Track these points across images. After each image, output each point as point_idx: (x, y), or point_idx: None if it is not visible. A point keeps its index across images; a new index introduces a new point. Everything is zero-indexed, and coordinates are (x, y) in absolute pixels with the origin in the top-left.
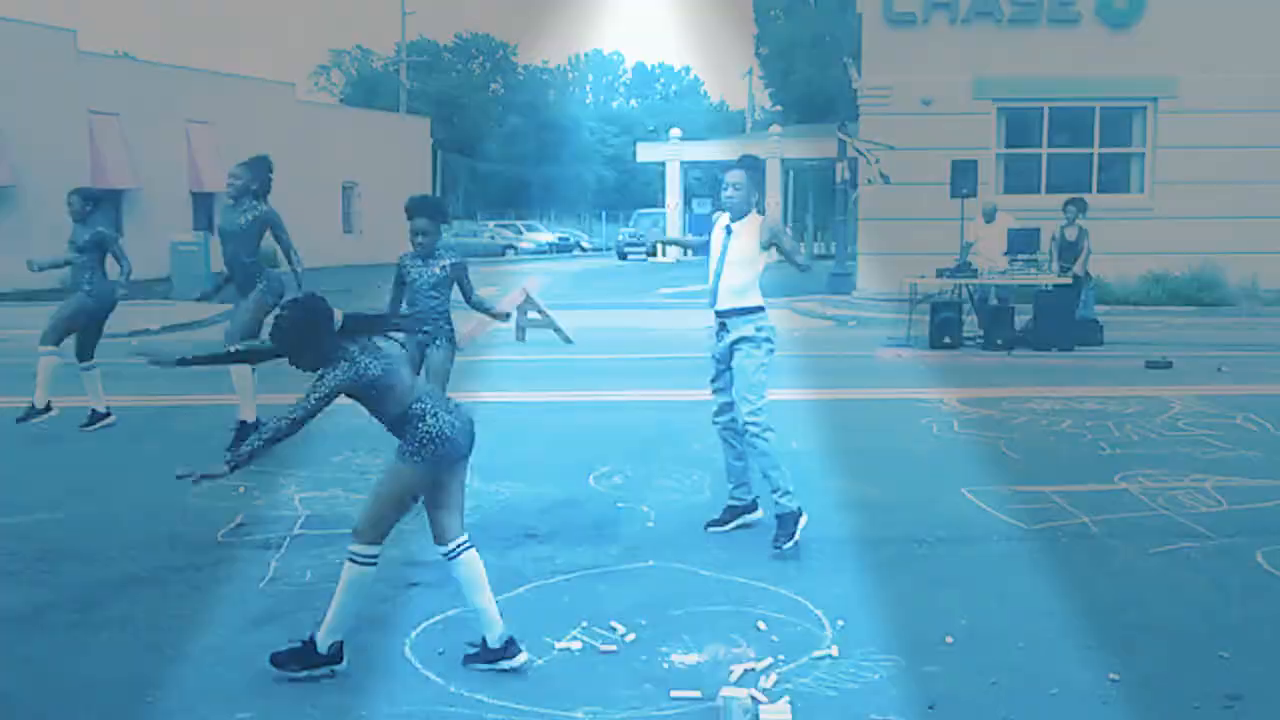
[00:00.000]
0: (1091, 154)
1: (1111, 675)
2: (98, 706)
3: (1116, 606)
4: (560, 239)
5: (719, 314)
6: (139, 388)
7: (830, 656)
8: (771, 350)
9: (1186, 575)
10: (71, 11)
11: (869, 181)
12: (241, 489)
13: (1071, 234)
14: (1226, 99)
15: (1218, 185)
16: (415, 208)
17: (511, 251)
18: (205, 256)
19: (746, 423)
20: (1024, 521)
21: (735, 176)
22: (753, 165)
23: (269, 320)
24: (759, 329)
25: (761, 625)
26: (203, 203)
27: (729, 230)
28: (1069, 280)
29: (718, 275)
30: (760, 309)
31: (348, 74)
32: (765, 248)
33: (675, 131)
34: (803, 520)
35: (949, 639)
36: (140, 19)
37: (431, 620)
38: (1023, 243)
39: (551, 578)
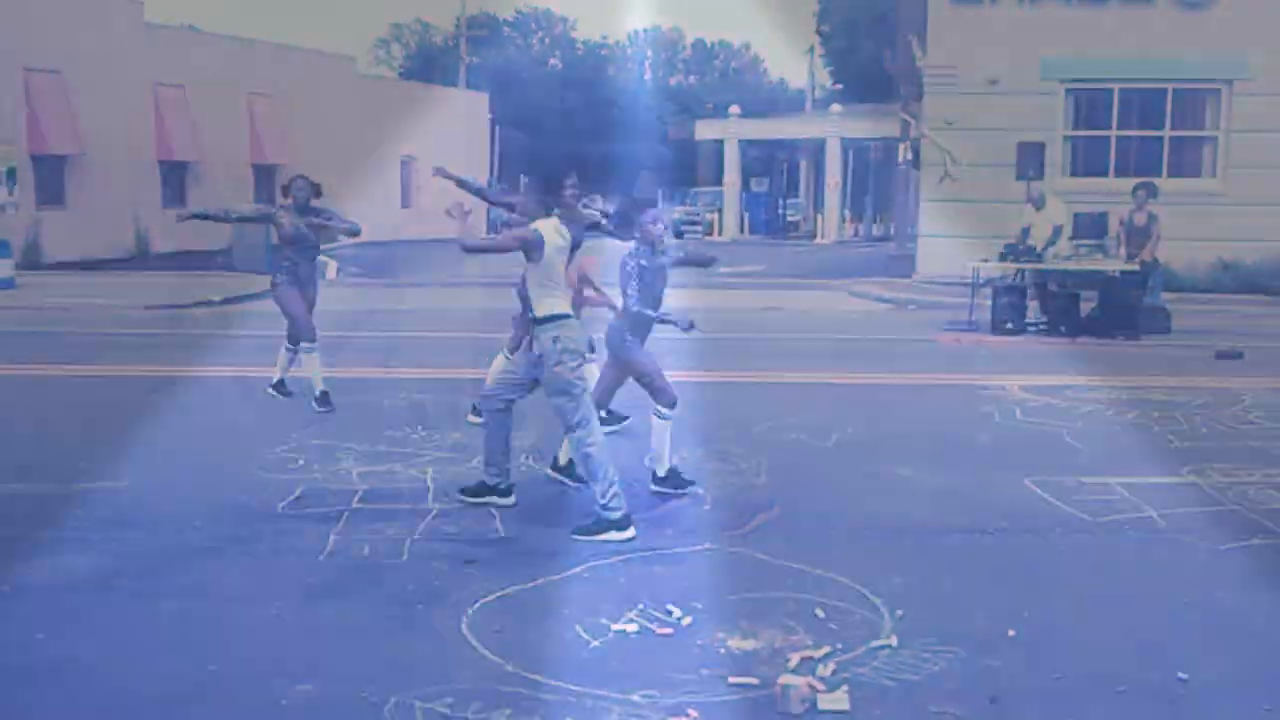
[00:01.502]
0: (1162, 137)
1: (1180, 675)
2: (161, 674)
3: (1185, 604)
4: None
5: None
6: (198, 358)
7: (889, 646)
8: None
9: (1258, 573)
10: None
11: (940, 180)
12: (300, 461)
13: (1140, 219)
14: None
15: None
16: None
17: None
18: (266, 228)
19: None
20: (1089, 514)
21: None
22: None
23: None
24: (555, 339)
25: (820, 613)
26: (264, 175)
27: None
28: (1136, 266)
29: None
30: (554, 318)
31: (407, 48)
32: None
33: (734, 109)
34: (624, 534)
35: (1011, 632)
36: None
37: (489, 598)
38: (1090, 227)
39: (608, 558)
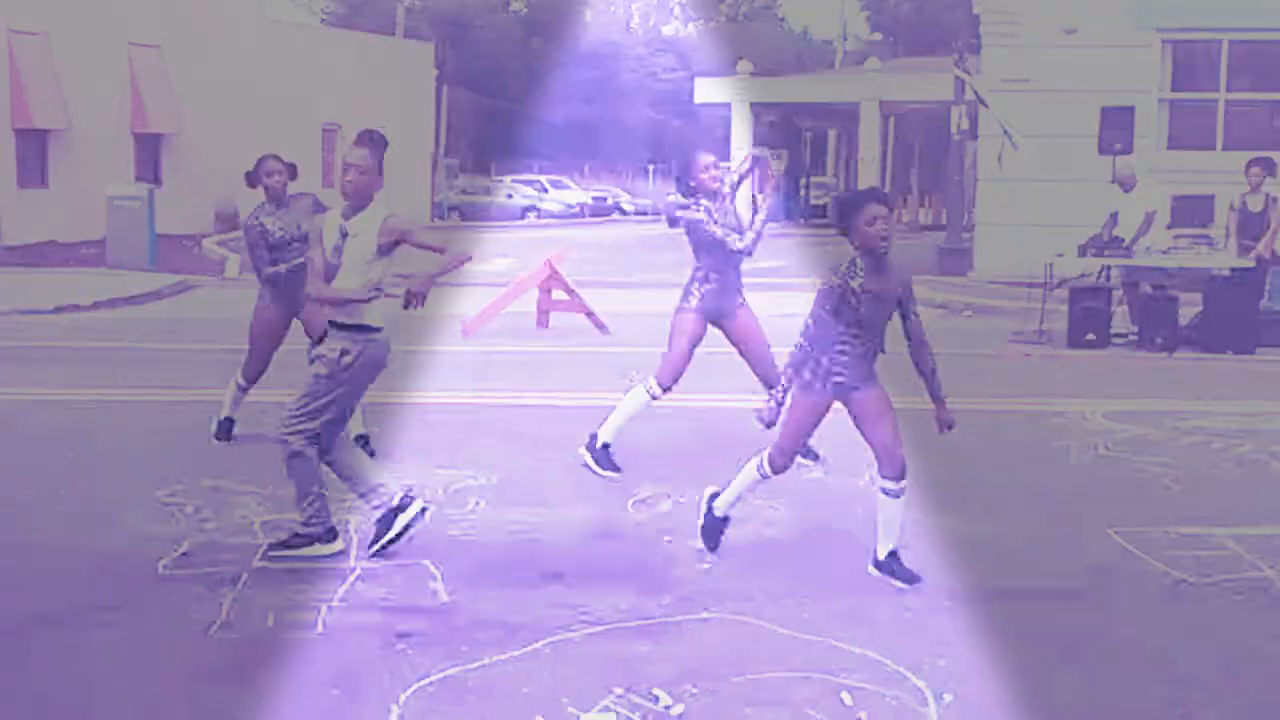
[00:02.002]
0: None
1: None
2: None
3: None
4: (595, 199)
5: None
6: (69, 377)
7: None
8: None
9: None
10: None
11: (998, 161)
12: (189, 508)
13: (1256, 203)
14: None
15: None
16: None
17: (534, 214)
18: (149, 215)
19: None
20: (1189, 573)
21: (356, 156)
22: (380, 141)
23: None
24: (344, 351)
25: (847, 698)
26: (147, 147)
27: (343, 232)
28: (1251, 263)
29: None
30: (365, 329)
31: None
32: (386, 253)
33: (744, 65)
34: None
35: None
36: None
37: (425, 682)
38: (1193, 214)
39: (578, 632)
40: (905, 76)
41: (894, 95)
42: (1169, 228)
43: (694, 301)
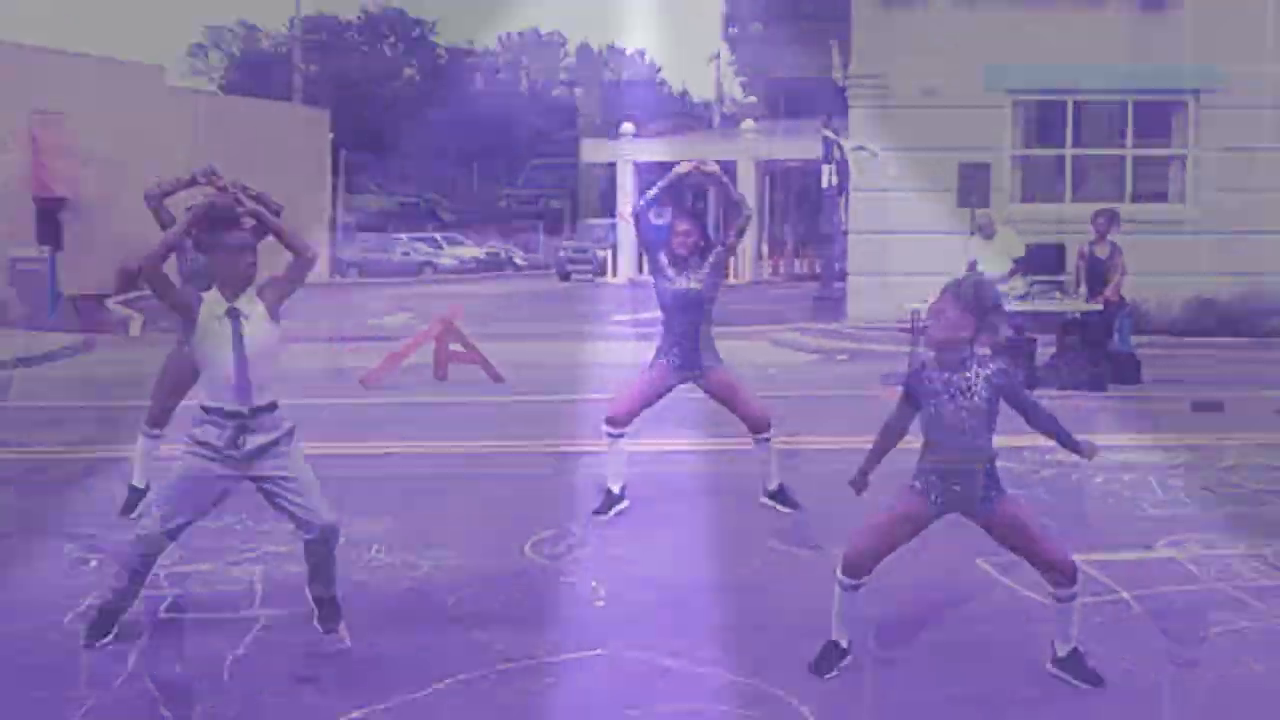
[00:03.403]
0: (1124, 156)
1: None
2: None
3: (1161, 697)
4: (488, 254)
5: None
6: None
7: None
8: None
9: (1244, 659)
10: None
11: (859, 169)
12: (93, 562)
13: (1102, 251)
14: None
15: (1275, 194)
16: None
17: (430, 269)
18: (51, 275)
19: (328, 531)
20: (1050, 597)
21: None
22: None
23: None
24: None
25: None
26: (48, 211)
27: (235, 313)
28: (1099, 307)
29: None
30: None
31: (229, 55)
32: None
33: (627, 126)
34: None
35: None
36: None
37: None
38: (1044, 262)
39: (483, 670)
40: (779, 137)
41: (769, 154)
42: (1024, 275)
43: (663, 359)
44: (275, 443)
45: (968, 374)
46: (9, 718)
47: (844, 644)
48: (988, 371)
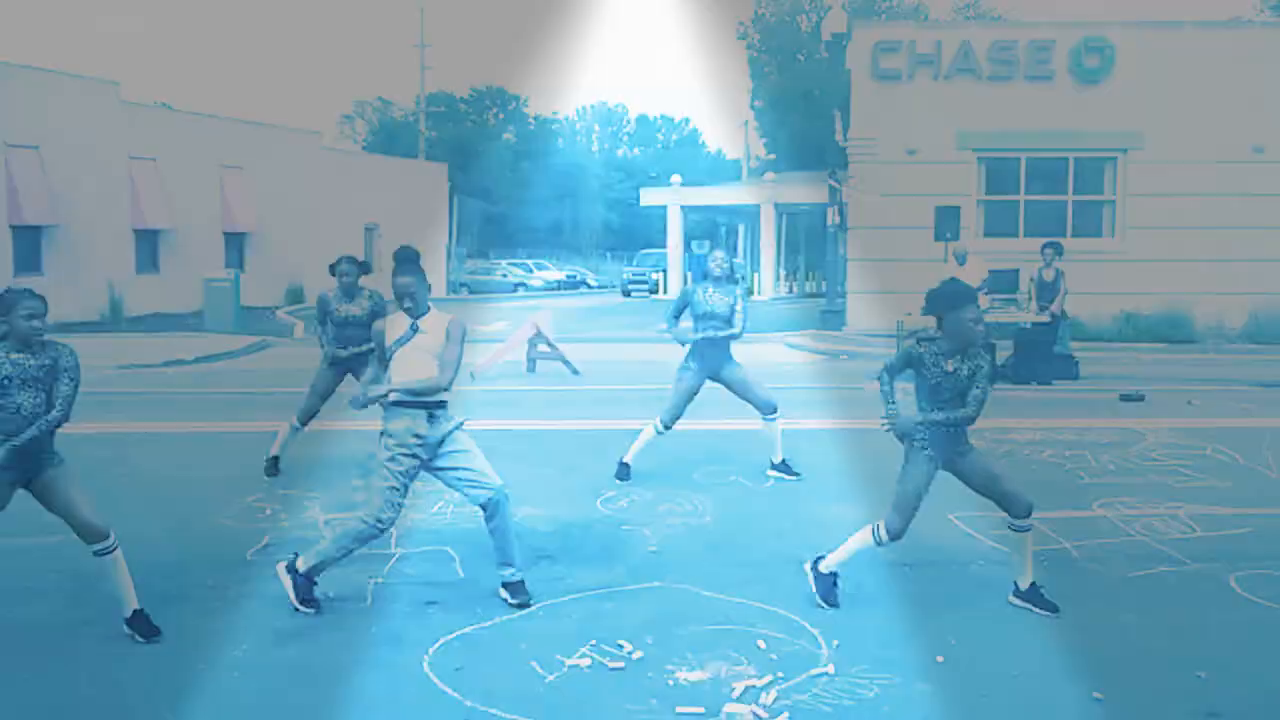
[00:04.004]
0: (1066, 201)
1: (1095, 694)
2: (132, 716)
3: (1097, 628)
4: (568, 276)
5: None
6: (169, 414)
7: (827, 674)
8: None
9: (1163, 598)
10: (117, 65)
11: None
12: (268, 511)
13: (1049, 275)
14: (1190, 150)
15: (1184, 230)
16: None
17: (523, 288)
18: (235, 292)
19: (502, 493)
20: (1009, 546)
21: (406, 282)
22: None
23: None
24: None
25: (762, 644)
26: (234, 242)
27: (415, 329)
28: (1046, 319)
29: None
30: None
31: (370, 123)
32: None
33: (676, 178)
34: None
35: (940, 658)
36: (179, 71)
37: (449, 637)
38: (1003, 283)
39: (562, 597)
40: (793, 185)
41: (785, 199)
42: (987, 293)
43: (692, 364)
44: (451, 432)
45: (957, 359)
46: (206, 629)
47: (839, 574)
48: (973, 360)
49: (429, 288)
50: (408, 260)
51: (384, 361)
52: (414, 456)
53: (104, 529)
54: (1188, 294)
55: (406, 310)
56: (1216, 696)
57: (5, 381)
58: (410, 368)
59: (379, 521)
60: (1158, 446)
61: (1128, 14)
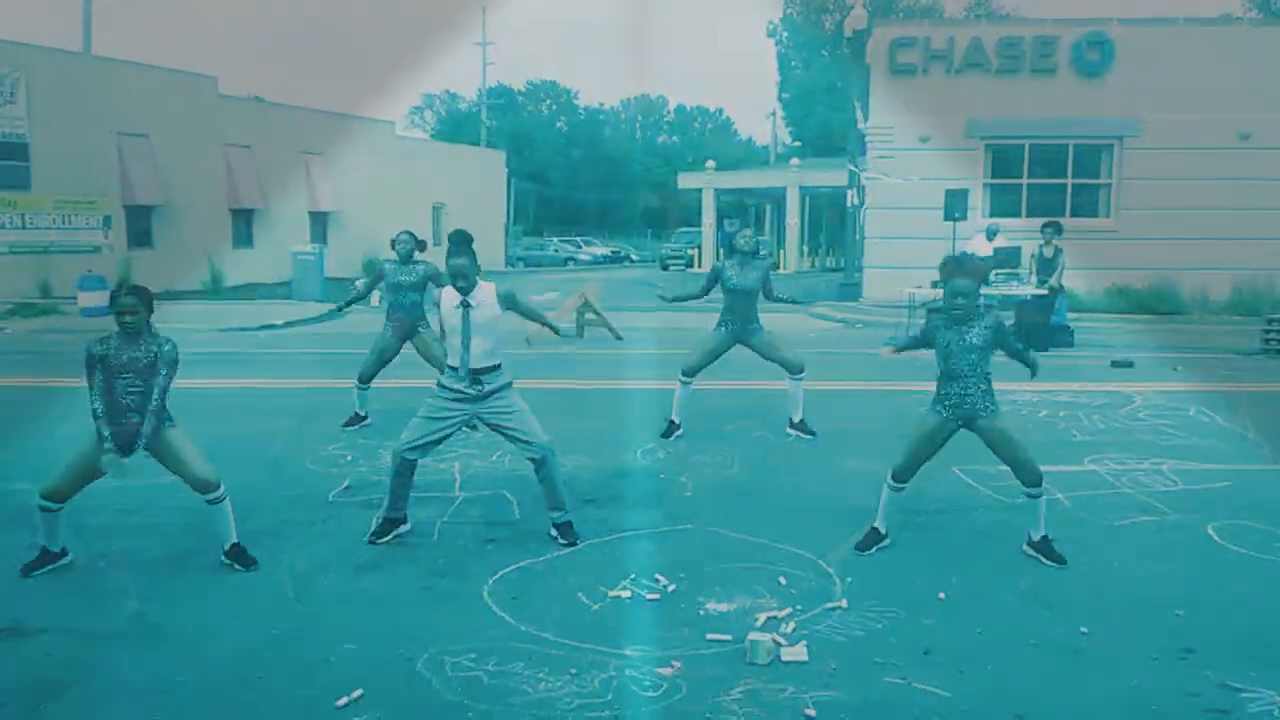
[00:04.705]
0: (1065, 184)
1: (1082, 629)
2: (233, 637)
3: (1086, 570)
4: (613, 252)
5: (474, 371)
6: (262, 372)
7: (840, 608)
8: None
9: (1147, 544)
10: (214, 60)
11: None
12: (348, 458)
13: (1048, 252)
14: (1183, 138)
15: (1174, 211)
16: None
17: (572, 262)
18: (320, 264)
19: (548, 450)
20: (1006, 496)
21: (460, 264)
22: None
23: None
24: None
25: (782, 580)
26: (317, 219)
27: (466, 305)
28: (1045, 291)
29: (467, 342)
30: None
31: (438, 114)
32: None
33: (710, 163)
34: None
35: (942, 595)
36: (270, 66)
37: (506, 570)
38: (1006, 259)
39: (606, 537)
40: (816, 170)
41: (809, 182)
42: (991, 268)
43: (722, 328)
44: (498, 390)
45: (973, 323)
46: (295, 561)
47: (882, 530)
48: (986, 322)
49: (479, 268)
50: (462, 243)
51: (441, 328)
52: (453, 403)
53: (214, 480)
54: (1175, 270)
55: (460, 289)
56: (1192, 633)
57: (115, 370)
58: (465, 340)
59: (400, 444)
60: (1145, 408)
61: (1126, 11)
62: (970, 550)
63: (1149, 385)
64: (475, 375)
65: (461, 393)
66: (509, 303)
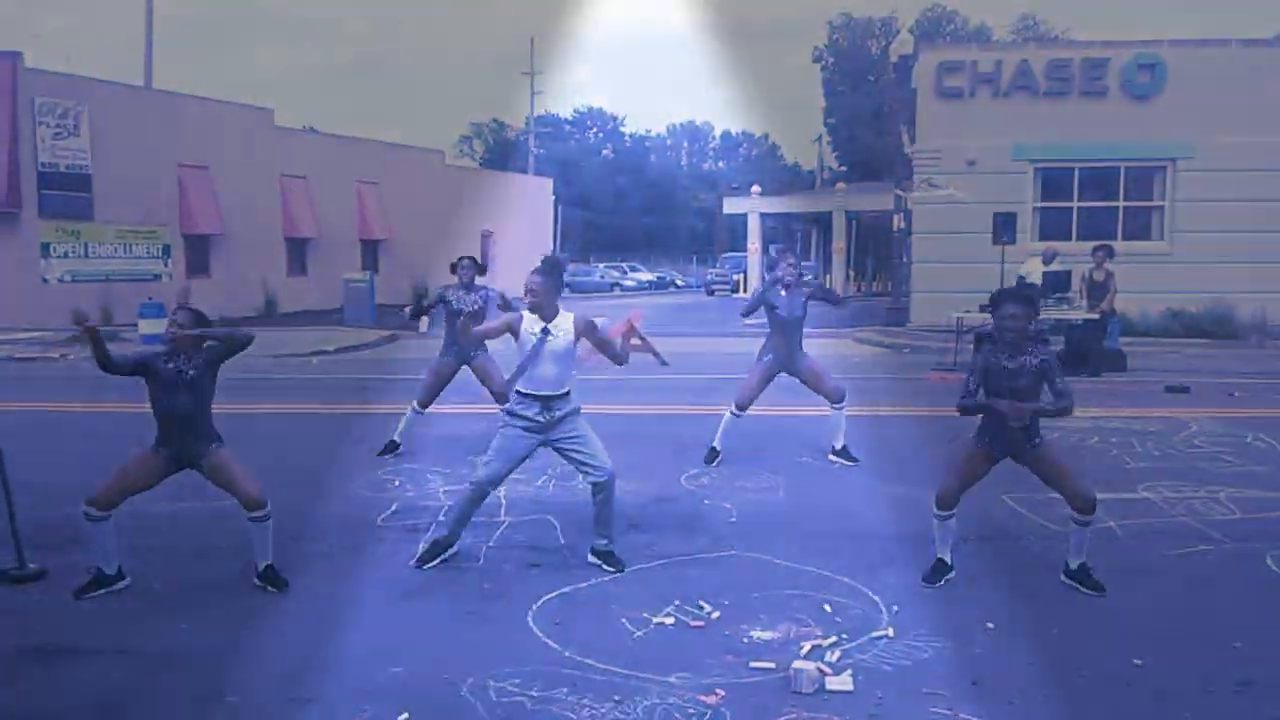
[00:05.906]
0: (1117, 207)
1: (1135, 660)
2: (280, 658)
3: (1139, 601)
4: (659, 278)
5: (546, 399)
6: (313, 397)
7: (887, 637)
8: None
9: (1203, 575)
10: (270, 92)
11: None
12: (396, 482)
13: (1099, 276)
14: (1236, 160)
15: (1229, 234)
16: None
17: (618, 288)
18: (371, 291)
19: (610, 475)
20: (1057, 524)
21: (535, 283)
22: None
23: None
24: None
25: (827, 608)
26: (369, 247)
27: (546, 331)
28: (1097, 315)
29: (542, 368)
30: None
31: (486, 142)
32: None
33: (755, 188)
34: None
35: (990, 625)
36: (324, 98)
37: (550, 595)
38: (1057, 283)
39: (650, 563)
40: (862, 195)
41: (855, 206)
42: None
43: (769, 356)
44: (567, 415)
45: (1024, 356)
46: (343, 584)
47: (948, 559)
48: (1039, 352)
49: (559, 292)
50: (551, 269)
51: (522, 353)
52: (526, 433)
53: (262, 499)
54: (1231, 293)
55: (536, 313)
56: (1250, 665)
57: (165, 384)
58: (539, 367)
59: (475, 482)
60: (1201, 435)
61: (1178, 33)
62: (1020, 579)
63: (1205, 411)
64: (546, 402)
65: (532, 420)
66: (588, 331)
